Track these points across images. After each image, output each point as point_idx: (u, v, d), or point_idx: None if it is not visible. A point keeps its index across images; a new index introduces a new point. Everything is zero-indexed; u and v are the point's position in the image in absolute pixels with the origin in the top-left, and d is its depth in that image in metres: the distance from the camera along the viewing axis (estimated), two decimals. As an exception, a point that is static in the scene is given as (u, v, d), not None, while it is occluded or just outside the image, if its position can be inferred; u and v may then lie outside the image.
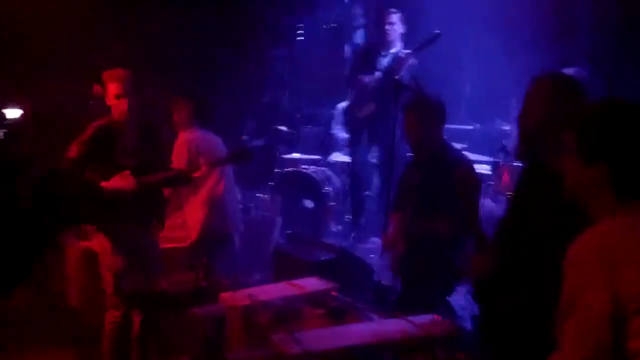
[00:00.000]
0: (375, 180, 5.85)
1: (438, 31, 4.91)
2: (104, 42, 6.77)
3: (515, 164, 4.83)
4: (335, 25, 8.31)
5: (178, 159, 4.51)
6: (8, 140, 6.93)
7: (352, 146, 6.01)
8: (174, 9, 7.58)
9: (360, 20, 7.16)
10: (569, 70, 4.79)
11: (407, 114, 3.71)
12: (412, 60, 5.12)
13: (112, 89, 3.71)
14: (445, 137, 3.84)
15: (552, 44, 5.39)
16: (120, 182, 3.64)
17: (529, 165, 2.63)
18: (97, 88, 3.76)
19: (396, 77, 4.59)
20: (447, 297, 3.73)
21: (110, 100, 3.73)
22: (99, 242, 3.84)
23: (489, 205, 4.81)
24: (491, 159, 5.35)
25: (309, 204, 6.23)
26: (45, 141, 6.27)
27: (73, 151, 3.67)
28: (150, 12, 7.38)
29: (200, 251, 4.41)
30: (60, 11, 6.81)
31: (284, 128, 7.22)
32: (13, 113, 7.70)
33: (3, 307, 4.72)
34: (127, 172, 3.66)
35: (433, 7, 6.07)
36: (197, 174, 4.10)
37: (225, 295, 3.25)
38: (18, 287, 3.45)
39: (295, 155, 7.13)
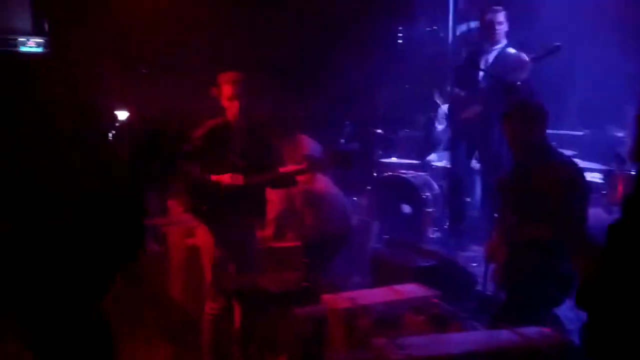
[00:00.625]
0: (477, 186, 5.69)
1: (558, 43, 4.77)
2: (216, 46, 7.03)
3: (630, 172, 4.56)
4: (436, 27, 8.20)
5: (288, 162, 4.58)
6: (116, 141, 7.30)
7: (452, 150, 5.88)
8: (279, 16, 7.77)
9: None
10: None
11: (507, 119, 3.61)
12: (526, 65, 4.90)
13: (226, 90, 3.84)
14: (551, 142, 3.67)
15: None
16: (230, 179, 3.75)
17: None
18: (213, 89, 3.90)
19: (507, 79, 4.43)
20: (555, 309, 3.56)
21: (224, 102, 3.86)
22: (201, 236, 3.96)
23: (602, 216, 4.55)
24: (604, 167, 5.06)
25: (406, 209, 6.15)
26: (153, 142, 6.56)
27: (188, 145, 3.83)
28: (259, 19, 7.60)
29: (307, 251, 4.45)
30: (172, 16, 7.12)
31: (381, 131, 7.17)
32: (122, 115, 8.14)
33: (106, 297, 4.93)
34: (240, 175, 3.78)
35: (541, 4, 5.86)
36: (302, 177, 4.14)
37: (327, 297, 3.25)
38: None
39: (394, 159, 7.07)
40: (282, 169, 4.14)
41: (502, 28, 5.41)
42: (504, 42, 5.42)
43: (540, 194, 3.35)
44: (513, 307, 3.54)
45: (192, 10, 7.34)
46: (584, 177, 3.49)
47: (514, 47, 5.36)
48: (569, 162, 3.54)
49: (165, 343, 4.73)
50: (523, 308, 3.39)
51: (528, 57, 4.88)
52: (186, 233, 4.85)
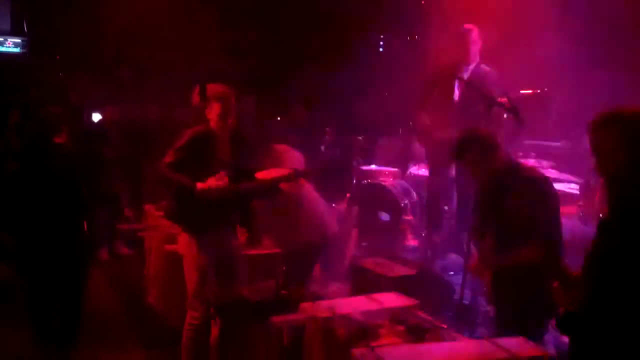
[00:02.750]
0: (454, 195, 5.71)
1: (546, 89, 4.81)
2: (198, 56, 7.03)
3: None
4: (417, 37, 8.27)
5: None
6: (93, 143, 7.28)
7: (430, 160, 5.90)
8: (260, 27, 7.80)
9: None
10: None
11: (458, 160, 3.59)
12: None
13: (216, 106, 3.80)
14: (514, 155, 3.67)
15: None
16: (215, 182, 3.72)
17: (618, 207, 2.45)
18: (195, 98, 3.84)
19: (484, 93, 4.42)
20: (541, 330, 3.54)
21: (213, 115, 3.82)
22: (184, 243, 3.93)
23: (578, 228, 4.59)
24: (580, 179, 5.11)
25: (385, 217, 6.16)
26: (133, 146, 6.53)
27: (169, 156, 3.78)
28: (241, 30, 7.61)
29: (286, 259, 4.43)
30: (161, 25, 7.09)
31: (361, 139, 7.20)
32: (96, 117, 8.11)
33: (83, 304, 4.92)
34: (223, 173, 3.74)
35: (519, 17, 5.92)
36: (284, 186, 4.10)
37: (305, 306, 3.24)
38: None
39: (373, 166, 7.10)
40: (265, 175, 4.11)
41: (476, 46, 5.43)
42: (477, 59, 5.45)
43: (511, 212, 3.35)
44: (500, 319, 3.56)
45: (175, 19, 7.32)
46: (552, 194, 3.41)
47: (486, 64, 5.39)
48: (535, 177, 3.47)
49: (142, 351, 4.69)
50: (509, 321, 3.40)
51: (511, 95, 4.86)
52: (166, 239, 4.81)
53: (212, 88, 3.86)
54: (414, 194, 6.22)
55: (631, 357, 2.25)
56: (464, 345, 2.97)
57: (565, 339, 2.82)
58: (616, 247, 2.30)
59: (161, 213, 4.64)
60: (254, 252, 4.60)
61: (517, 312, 3.34)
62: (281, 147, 5.38)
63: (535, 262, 3.22)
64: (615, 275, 2.29)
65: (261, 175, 4.00)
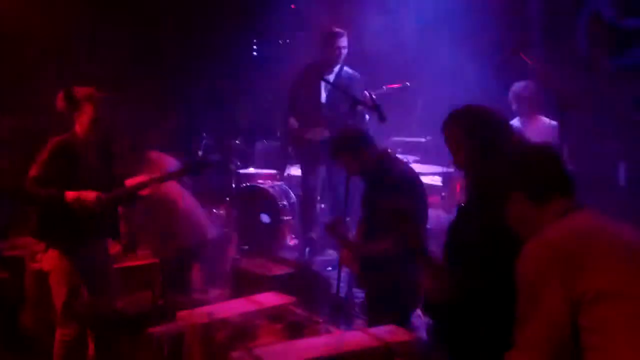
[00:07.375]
0: (328, 193, 5.89)
1: (408, 83, 5.10)
2: (73, 61, 6.71)
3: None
4: (288, 41, 8.40)
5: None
6: None
7: (302, 162, 6.06)
8: (133, 28, 7.60)
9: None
10: (519, 84, 5.01)
11: (335, 159, 3.78)
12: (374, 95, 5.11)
13: (88, 110, 3.68)
14: (386, 152, 3.91)
15: (506, 59, 5.57)
16: (87, 194, 3.61)
17: (473, 192, 2.70)
18: (60, 103, 3.69)
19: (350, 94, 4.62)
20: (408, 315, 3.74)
21: (83, 120, 3.69)
22: (50, 260, 3.78)
23: (442, 217, 4.89)
24: (443, 170, 5.45)
25: (265, 218, 6.23)
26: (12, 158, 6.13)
27: (34, 170, 3.62)
28: (113, 32, 7.37)
29: (163, 267, 4.38)
30: (34, 30, 6.69)
31: (239, 142, 7.22)
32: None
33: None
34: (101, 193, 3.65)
35: (386, 20, 6.20)
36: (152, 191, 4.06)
37: (183, 314, 3.23)
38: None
39: (251, 170, 7.15)
40: (131, 181, 4.04)
41: (344, 50, 5.66)
42: (341, 62, 5.68)
43: (380, 207, 3.54)
44: (371, 310, 3.73)
45: (35, 19, 6.94)
46: (417, 188, 3.67)
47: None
48: (403, 173, 3.72)
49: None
50: (379, 310, 3.58)
51: (375, 92, 5.11)
52: (31, 257, 4.61)
53: (82, 90, 3.74)
54: (292, 195, 6.34)
55: (498, 337, 2.43)
56: (337, 337, 3.08)
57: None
58: (474, 229, 2.51)
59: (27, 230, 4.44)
60: (129, 263, 4.51)
61: (384, 299, 3.53)
62: (154, 154, 5.30)
63: (396, 251, 3.41)
64: (476, 257, 2.48)
65: (132, 182, 3.93)
